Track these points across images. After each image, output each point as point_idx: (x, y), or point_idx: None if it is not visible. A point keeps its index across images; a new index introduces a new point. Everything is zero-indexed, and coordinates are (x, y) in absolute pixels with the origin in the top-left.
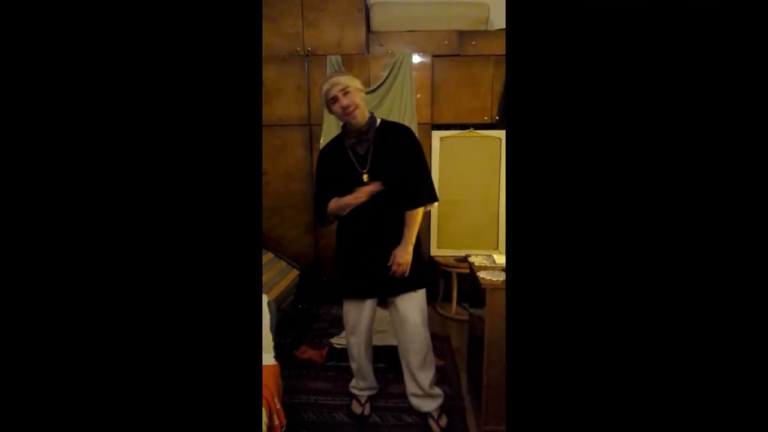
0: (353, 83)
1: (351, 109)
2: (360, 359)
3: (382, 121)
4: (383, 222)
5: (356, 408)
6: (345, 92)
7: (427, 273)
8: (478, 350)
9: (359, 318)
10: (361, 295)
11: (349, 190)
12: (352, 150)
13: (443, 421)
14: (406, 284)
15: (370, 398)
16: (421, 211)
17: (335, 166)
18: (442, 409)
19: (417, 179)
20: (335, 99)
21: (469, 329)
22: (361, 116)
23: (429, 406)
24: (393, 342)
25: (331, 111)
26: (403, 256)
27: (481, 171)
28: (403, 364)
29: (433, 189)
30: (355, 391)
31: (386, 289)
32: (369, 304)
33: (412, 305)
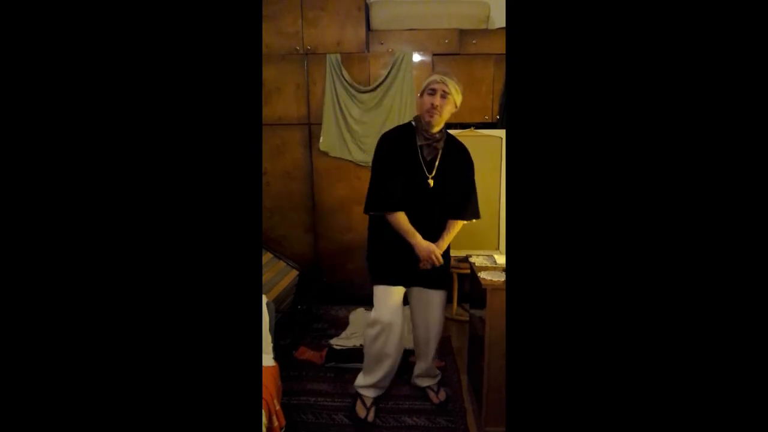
0: (455, 96)
1: (436, 111)
2: (380, 351)
3: (448, 134)
4: (430, 224)
5: (360, 411)
6: (444, 96)
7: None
8: (478, 351)
9: (393, 302)
10: (396, 281)
11: (413, 189)
12: (426, 149)
13: (441, 395)
14: (436, 281)
15: (376, 401)
16: (461, 223)
17: (403, 158)
18: (440, 384)
19: (466, 195)
20: (433, 92)
21: (470, 330)
22: (438, 123)
23: (430, 381)
24: None
25: (420, 97)
26: (439, 251)
27: (482, 171)
28: (420, 346)
29: (477, 207)
30: (362, 390)
31: (420, 280)
32: (398, 291)
33: (438, 299)
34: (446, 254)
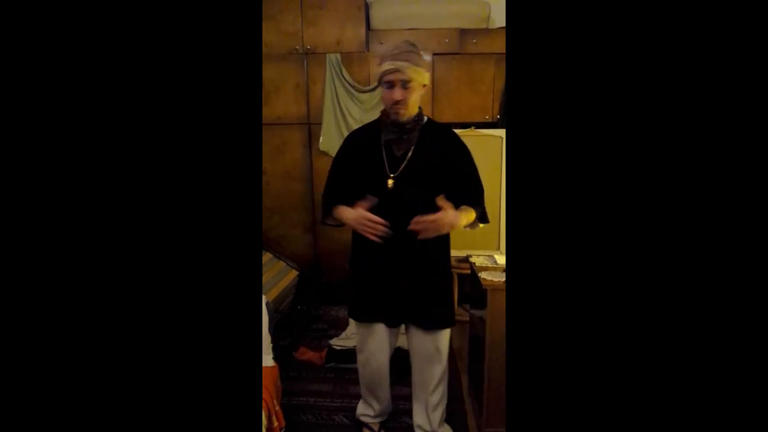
0: (419, 77)
1: (401, 105)
2: (378, 391)
3: (429, 120)
4: (407, 237)
5: None
6: (405, 85)
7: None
8: (479, 352)
9: (375, 345)
10: (374, 318)
11: (366, 192)
12: (387, 147)
13: None
14: (429, 319)
15: (383, 424)
16: (471, 217)
17: (361, 158)
18: None
19: (467, 185)
20: (390, 84)
21: (470, 330)
22: (408, 113)
23: None
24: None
25: (380, 86)
26: (453, 216)
27: (482, 170)
28: (415, 394)
29: (485, 211)
30: (366, 419)
31: (411, 312)
32: (381, 329)
33: (433, 340)
34: (448, 285)
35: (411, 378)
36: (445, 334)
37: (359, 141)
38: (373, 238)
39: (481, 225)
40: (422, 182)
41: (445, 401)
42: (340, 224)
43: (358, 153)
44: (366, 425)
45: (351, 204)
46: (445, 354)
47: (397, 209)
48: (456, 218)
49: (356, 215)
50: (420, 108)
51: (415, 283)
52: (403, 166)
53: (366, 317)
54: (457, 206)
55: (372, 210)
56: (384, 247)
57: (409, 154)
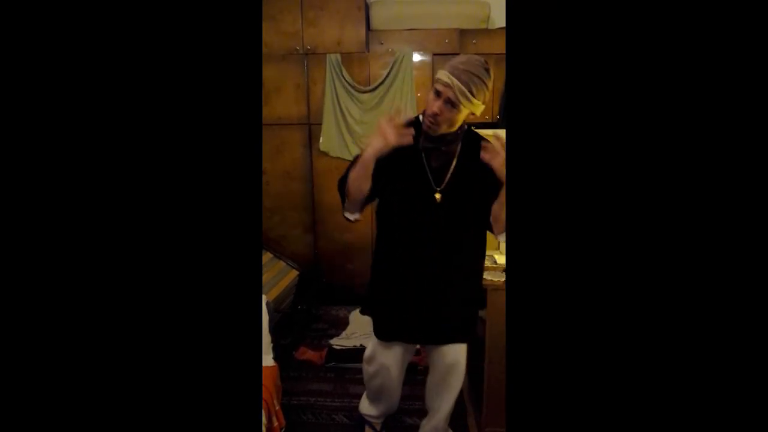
0: (472, 105)
1: (438, 122)
2: (390, 397)
3: (469, 129)
4: (436, 248)
5: None
6: (453, 104)
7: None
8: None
9: (389, 359)
10: (400, 335)
11: (412, 203)
12: (426, 155)
13: None
14: (462, 332)
15: (384, 424)
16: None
17: (399, 166)
18: None
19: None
20: (438, 95)
21: None
22: (446, 128)
23: None
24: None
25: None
26: (500, 150)
27: None
28: (429, 403)
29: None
30: (369, 418)
31: (438, 332)
32: (400, 348)
33: (457, 353)
34: (476, 297)
35: (425, 386)
36: (464, 346)
37: (403, 150)
38: (406, 140)
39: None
40: (469, 199)
41: (452, 407)
42: (359, 212)
43: (397, 161)
44: (368, 423)
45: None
46: (463, 365)
47: (441, 223)
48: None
49: (383, 123)
50: (465, 123)
51: (443, 301)
52: (447, 179)
53: (389, 336)
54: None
55: (417, 224)
56: (421, 263)
57: (452, 167)
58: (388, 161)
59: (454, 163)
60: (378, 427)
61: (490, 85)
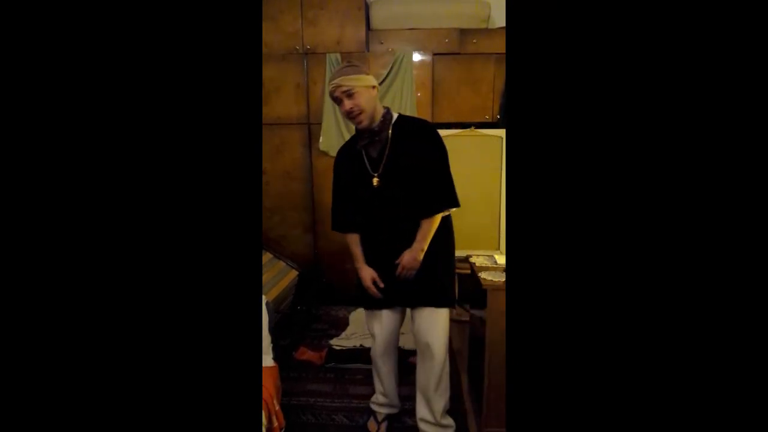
0: (359, 82)
1: (355, 113)
2: (380, 374)
3: (400, 117)
4: (400, 229)
5: (372, 427)
6: (349, 94)
7: (455, 292)
8: (479, 352)
9: (378, 329)
10: (375, 305)
11: (360, 195)
12: (365, 151)
13: None
14: (426, 298)
15: (388, 417)
16: (437, 217)
17: (348, 168)
18: None
19: (434, 183)
20: (338, 101)
21: (470, 330)
22: (368, 118)
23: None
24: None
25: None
26: (410, 260)
27: (483, 170)
28: (417, 384)
29: (453, 193)
30: (373, 407)
31: (402, 299)
32: (387, 315)
33: (430, 323)
34: (445, 262)
35: (414, 375)
36: (442, 317)
37: (345, 152)
38: (373, 293)
39: (453, 210)
40: (402, 178)
41: (447, 394)
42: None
43: (346, 162)
44: (373, 413)
45: (351, 222)
46: (443, 339)
47: (384, 204)
48: (414, 259)
49: (367, 277)
50: (386, 109)
51: (393, 271)
52: (382, 165)
53: (371, 305)
54: (423, 213)
55: (362, 205)
56: (379, 243)
57: (386, 153)
58: (343, 169)
59: (387, 150)
60: (380, 418)
61: (363, 67)
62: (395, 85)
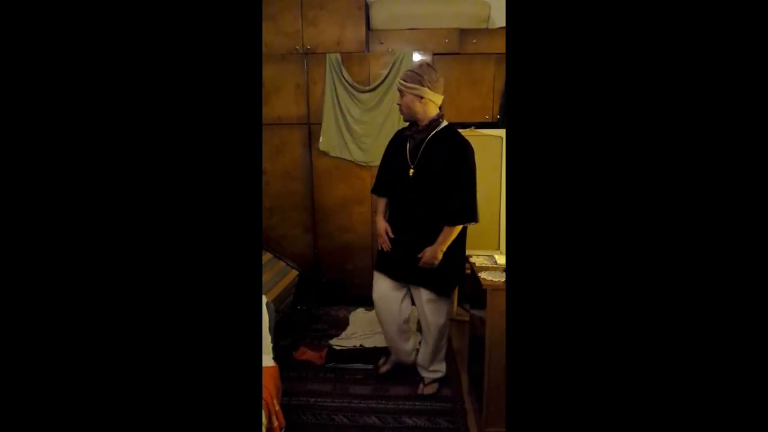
0: (408, 88)
1: (401, 108)
2: (383, 329)
3: (447, 127)
4: (409, 211)
5: (380, 363)
6: (401, 93)
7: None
8: (479, 351)
9: (375, 288)
10: (387, 272)
11: (396, 177)
12: (408, 142)
13: (428, 389)
14: (428, 283)
15: (394, 362)
16: (456, 228)
17: (395, 150)
18: (440, 382)
19: (458, 197)
20: (400, 92)
21: (470, 330)
22: (408, 116)
23: (425, 374)
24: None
25: None
26: (430, 257)
27: (483, 170)
28: (423, 334)
29: (474, 210)
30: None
31: (408, 274)
32: (383, 279)
33: (432, 306)
34: (454, 258)
35: (414, 374)
36: (443, 302)
37: (396, 137)
38: (384, 246)
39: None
40: (430, 177)
41: (441, 355)
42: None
43: (394, 145)
44: (388, 355)
45: (383, 188)
46: (441, 321)
47: (412, 193)
48: (434, 256)
49: (379, 227)
50: (439, 116)
51: (416, 247)
52: (417, 159)
53: (380, 268)
54: (442, 220)
55: (395, 195)
56: (401, 225)
57: (420, 150)
58: (392, 148)
59: (422, 147)
60: (388, 359)
61: (428, 76)
62: (395, 85)
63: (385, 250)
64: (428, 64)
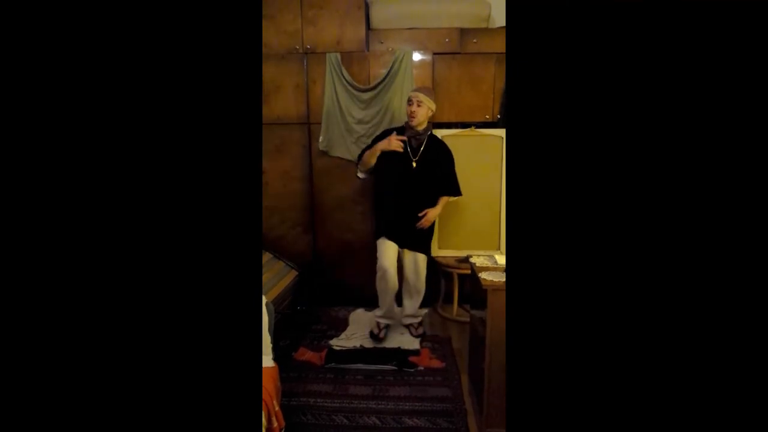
0: (428, 103)
1: (415, 114)
2: (381, 293)
3: (432, 134)
4: (415, 196)
5: (375, 329)
6: (419, 104)
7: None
8: (479, 352)
9: (382, 253)
10: (391, 238)
11: (399, 170)
12: (413, 140)
13: (420, 330)
14: (425, 249)
15: (387, 327)
16: (447, 199)
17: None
18: (422, 324)
19: (448, 179)
20: (410, 102)
21: (471, 331)
22: (417, 122)
23: (413, 320)
24: (396, 345)
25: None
26: (432, 216)
27: (483, 170)
28: (405, 294)
29: (458, 188)
30: (378, 319)
31: (408, 244)
32: (390, 245)
33: (424, 266)
34: (431, 227)
35: (413, 375)
36: (422, 258)
37: (390, 132)
38: (397, 148)
39: (455, 198)
40: (429, 167)
41: (422, 296)
42: (370, 170)
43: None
44: (378, 323)
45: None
46: (422, 270)
47: (417, 181)
48: (432, 215)
49: (383, 142)
50: (430, 123)
51: (412, 225)
52: (419, 155)
53: (387, 235)
54: (438, 191)
55: (402, 180)
56: (407, 201)
57: (422, 148)
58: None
59: (423, 147)
60: (382, 326)
61: (432, 94)
62: (395, 84)
63: (394, 148)
64: (429, 89)
